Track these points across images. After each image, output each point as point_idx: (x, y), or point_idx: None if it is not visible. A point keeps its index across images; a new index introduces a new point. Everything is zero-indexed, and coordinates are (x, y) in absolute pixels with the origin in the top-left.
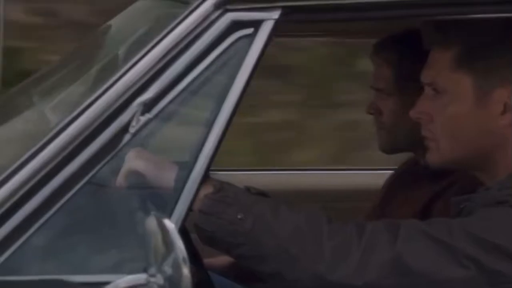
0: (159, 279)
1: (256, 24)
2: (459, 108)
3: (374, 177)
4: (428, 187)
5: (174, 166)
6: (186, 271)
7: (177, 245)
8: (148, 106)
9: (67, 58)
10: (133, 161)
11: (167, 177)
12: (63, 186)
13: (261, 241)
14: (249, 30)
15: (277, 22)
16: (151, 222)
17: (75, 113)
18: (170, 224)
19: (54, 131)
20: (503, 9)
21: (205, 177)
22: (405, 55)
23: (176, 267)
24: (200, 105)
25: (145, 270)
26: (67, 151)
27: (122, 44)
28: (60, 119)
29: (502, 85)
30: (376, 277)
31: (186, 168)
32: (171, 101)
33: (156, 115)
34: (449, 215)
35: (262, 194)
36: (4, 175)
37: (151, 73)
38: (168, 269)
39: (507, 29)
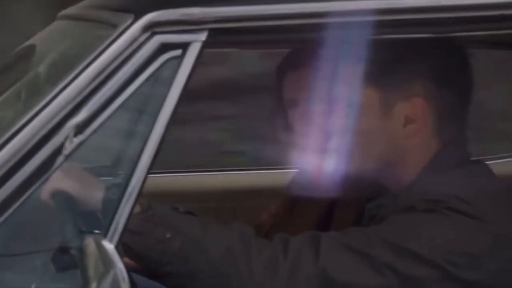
0: None
1: (184, 46)
2: (365, 121)
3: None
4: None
5: (102, 186)
6: None
7: (117, 265)
8: (80, 128)
9: None
10: (60, 179)
11: (95, 197)
12: None
13: (191, 260)
14: (178, 52)
15: (205, 44)
16: (89, 244)
17: (5, 136)
18: (109, 245)
19: None
20: (405, 31)
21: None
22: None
23: (115, 286)
24: (132, 126)
25: None
26: (2, 171)
27: (45, 66)
28: None
29: (403, 99)
30: None
31: (120, 188)
32: (103, 123)
33: (89, 137)
34: (350, 218)
35: (189, 213)
36: None
37: (83, 95)
38: None
39: (407, 47)
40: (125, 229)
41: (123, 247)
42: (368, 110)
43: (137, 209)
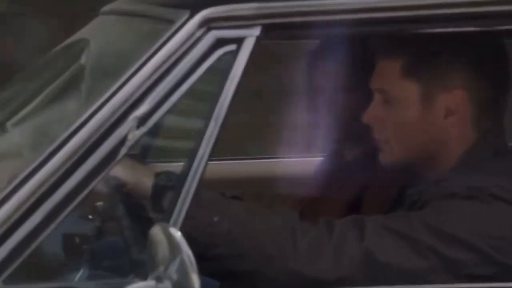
0: (167, 285)
1: (239, 41)
2: (406, 113)
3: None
4: (359, 177)
5: (151, 174)
6: (194, 276)
7: (184, 250)
8: (142, 120)
9: (31, 73)
10: (119, 169)
11: (144, 183)
12: (64, 199)
13: (238, 242)
14: (232, 47)
15: (258, 39)
16: (155, 230)
17: (69, 130)
18: (176, 232)
19: (54, 146)
20: (448, 25)
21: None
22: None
23: (183, 272)
24: (190, 119)
25: (152, 278)
26: (68, 165)
27: (99, 60)
28: (57, 134)
29: (444, 91)
30: (348, 271)
31: (181, 175)
32: (163, 116)
33: (150, 129)
34: (380, 204)
35: (236, 198)
36: (5, 192)
37: (144, 88)
38: (174, 275)
39: (447, 40)
40: (186, 216)
41: None
42: (409, 102)
43: None
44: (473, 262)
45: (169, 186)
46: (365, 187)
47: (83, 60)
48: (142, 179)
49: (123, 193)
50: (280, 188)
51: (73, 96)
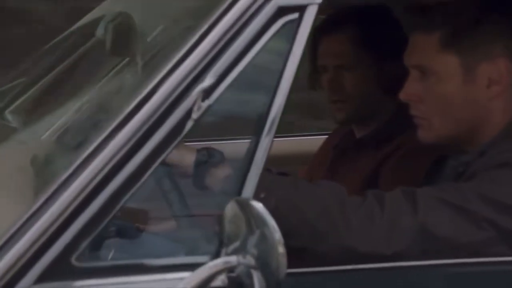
0: (250, 260)
1: (301, 9)
2: (447, 87)
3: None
4: (373, 154)
5: (194, 150)
6: (281, 249)
7: (271, 224)
8: (207, 93)
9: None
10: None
11: (187, 159)
12: (134, 174)
13: (286, 218)
14: (295, 15)
15: (320, 6)
16: (232, 207)
17: (135, 102)
18: (259, 205)
19: (117, 122)
20: None
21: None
22: (366, 29)
23: (265, 246)
24: (254, 90)
25: (229, 253)
26: (134, 140)
27: (155, 31)
28: (120, 110)
29: (486, 60)
30: (403, 245)
31: (248, 152)
32: (228, 87)
33: (215, 101)
34: (400, 177)
35: (282, 174)
36: (75, 166)
37: (207, 60)
38: (254, 250)
39: (486, 8)
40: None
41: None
42: (449, 76)
43: (230, 170)
44: None
45: (211, 162)
46: (379, 164)
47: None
48: (184, 155)
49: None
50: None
51: (127, 71)
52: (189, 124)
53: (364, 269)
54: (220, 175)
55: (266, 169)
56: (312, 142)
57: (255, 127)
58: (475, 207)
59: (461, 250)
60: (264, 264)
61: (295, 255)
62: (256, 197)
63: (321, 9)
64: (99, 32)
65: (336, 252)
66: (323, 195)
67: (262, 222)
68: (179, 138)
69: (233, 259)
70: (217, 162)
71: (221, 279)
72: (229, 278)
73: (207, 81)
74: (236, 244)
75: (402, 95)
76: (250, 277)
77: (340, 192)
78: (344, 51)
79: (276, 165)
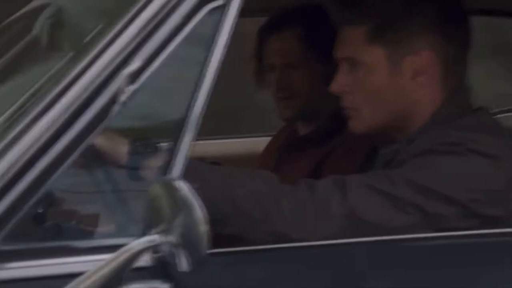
0: (173, 239)
1: None
2: (375, 78)
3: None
4: (314, 152)
5: (126, 141)
6: (203, 227)
7: (193, 203)
8: (134, 77)
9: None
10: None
11: (120, 150)
12: (58, 158)
13: (220, 207)
14: (220, 2)
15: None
16: (158, 186)
17: (59, 87)
18: (183, 185)
19: (42, 106)
20: None
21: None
22: (312, 27)
23: (190, 225)
24: (180, 75)
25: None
26: (61, 122)
27: (84, 17)
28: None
29: (410, 53)
30: (333, 231)
31: (174, 138)
32: (154, 72)
33: (141, 85)
34: (341, 172)
35: (216, 163)
36: None
37: (134, 44)
38: (179, 229)
39: (411, 2)
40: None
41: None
42: (376, 67)
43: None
44: (454, 215)
45: (145, 153)
46: (320, 162)
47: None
48: (117, 145)
49: (99, 160)
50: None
51: (53, 56)
52: (115, 108)
53: (288, 248)
54: (152, 165)
55: (200, 159)
56: (259, 143)
57: (181, 114)
58: (401, 192)
59: (388, 234)
60: (187, 242)
61: (231, 243)
62: (191, 186)
63: (265, 8)
64: (36, 28)
65: (269, 239)
66: (256, 183)
67: (185, 202)
68: (105, 122)
69: (155, 238)
70: (149, 153)
71: (145, 260)
72: (154, 258)
73: (134, 65)
74: (162, 224)
75: (333, 87)
76: (173, 256)
77: (272, 181)
78: (291, 49)
79: None
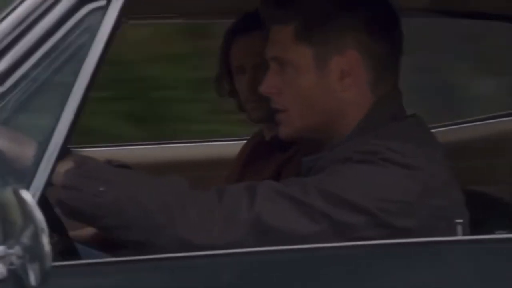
0: (18, 251)
1: None
2: (302, 78)
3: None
4: (277, 156)
5: (33, 142)
6: (45, 240)
7: (35, 215)
8: (0, 79)
9: None
10: None
11: (28, 153)
12: None
13: (125, 212)
14: (102, 2)
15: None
16: (8, 194)
17: None
18: (27, 195)
19: None
20: None
21: (64, 151)
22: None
23: (35, 237)
24: (54, 79)
25: (2, 243)
26: None
27: None
28: None
29: (337, 53)
30: (238, 236)
31: (43, 142)
32: (24, 75)
33: (9, 89)
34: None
35: (124, 166)
36: None
37: (2, 46)
38: (27, 241)
39: (337, 2)
40: (48, 183)
41: (59, 205)
42: (304, 67)
43: (71, 164)
44: (363, 225)
45: None
46: (282, 165)
47: None
48: (25, 149)
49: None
50: (203, 171)
51: None
52: None
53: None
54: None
55: (106, 162)
56: (236, 147)
57: (52, 117)
58: (311, 199)
59: (295, 242)
60: (32, 254)
61: (135, 249)
62: (96, 190)
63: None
64: None
65: (173, 245)
66: (164, 188)
67: (30, 213)
68: None
69: (0, 249)
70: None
71: (0, 272)
72: (9, 271)
73: (1, 66)
74: (10, 235)
75: (262, 88)
76: (24, 269)
77: (181, 186)
78: (261, 49)
79: (200, 170)
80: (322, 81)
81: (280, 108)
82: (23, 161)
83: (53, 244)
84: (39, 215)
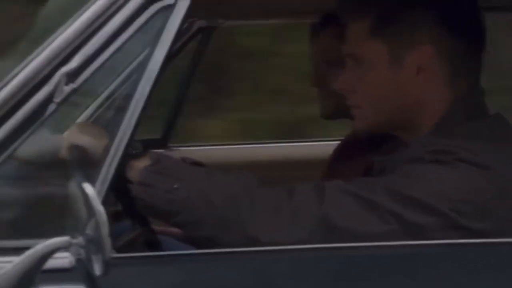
0: (81, 241)
1: None
2: (378, 75)
3: (325, 147)
4: (369, 156)
5: (107, 136)
6: (105, 231)
7: (97, 208)
8: (71, 76)
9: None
10: (75, 135)
11: (102, 147)
12: None
13: (197, 209)
14: (170, 1)
15: None
16: (74, 187)
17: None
18: (90, 188)
19: None
20: None
21: (130, 145)
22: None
23: (97, 228)
24: (122, 75)
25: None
26: None
27: (43, 17)
28: None
29: (413, 48)
30: (305, 234)
31: (111, 137)
32: (94, 72)
33: (80, 85)
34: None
35: (197, 164)
36: None
37: (74, 44)
38: (90, 232)
39: None
40: (116, 176)
41: (135, 200)
42: (379, 63)
43: (147, 162)
44: (434, 226)
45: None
46: (370, 166)
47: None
48: (104, 144)
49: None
50: (299, 171)
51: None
52: (52, 107)
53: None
54: (138, 165)
55: (181, 159)
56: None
57: (119, 112)
58: (381, 199)
59: (362, 241)
60: (94, 245)
61: (206, 244)
62: (170, 187)
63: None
64: None
65: (240, 241)
66: (233, 185)
67: (92, 205)
68: (40, 121)
69: (64, 240)
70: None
71: (69, 261)
72: (77, 261)
73: (72, 64)
74: (74, 226)
75: (337, 85)
76: (89, 259)
77: (251, 184)
78: (333, 46)
79: (293, 170)
80: (397, 77)
81: (353, 104)
82: (96, 154)
83: (137, 235)
84: (99, 208)
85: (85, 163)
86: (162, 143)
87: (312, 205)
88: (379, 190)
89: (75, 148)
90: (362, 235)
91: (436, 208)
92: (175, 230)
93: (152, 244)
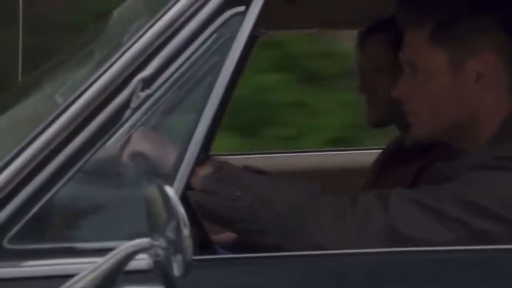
0: (162, 243)
1: (247, 2)
2: (436, 83)
3: (367, 155)
4: (415, 162)
5: (175, 147)
6: (186, 233)
7: (178, 209)
8: (147, 82)
9: (77, 45)
10: (138, 142)
11: (170, 157)
12: (69, 161)
13: (260, 216)
14: (241, 8)
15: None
16: (153, 190)
17: (77, 92)
18: (171, 190)
19: (59, 109)
20: None
21: (204, 153)
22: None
23: (178, 231)
24: (196, 81)
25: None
26: (71, 126)
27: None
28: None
29: (473, 55)
30: (371, 244)
31: (184, 143)
32: (169, 78)
33: (155, 91)
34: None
35: (259, 172)
36: (13, 152)
37: (150, 50)
38: (170, 234)
39: (473, 3)
40: (188, 182)
41: (198, 208)
42: (438, 70)
43: (210, 169)
44: (500, 233)
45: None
46: (419, 172)
47: (113, 31)
48: (168, 153)
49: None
50: (338, 178)
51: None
52: (128, 113)
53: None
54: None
55: (244, 167)
56: (371, 156)
57: (194, 117)
58: (446, 207)
59: None
60: (175, 247)
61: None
62: (233, 195)
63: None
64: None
65: (305, 250)
66: (297, 194)
67: (173, 207)
68: (117, 126)
69: (145, 241)
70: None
71: (147, 262)
72: (155, 262)
73: (147, 71)
74: (155, 228)
75: (394, 92)
76: (168, 261)
77: (314, 191)
78: (383, 53)
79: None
80: (456, 84)
81: (410, 112)
82: (166, 162)
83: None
84: (181, 210)
85: (148, 169)
86: None
87: (378, 214)
88: (444, 198)
89: (138, 155)
90: (429, 244)
91: (501, 215)
92: (223, 237)
93: (206, 247)
